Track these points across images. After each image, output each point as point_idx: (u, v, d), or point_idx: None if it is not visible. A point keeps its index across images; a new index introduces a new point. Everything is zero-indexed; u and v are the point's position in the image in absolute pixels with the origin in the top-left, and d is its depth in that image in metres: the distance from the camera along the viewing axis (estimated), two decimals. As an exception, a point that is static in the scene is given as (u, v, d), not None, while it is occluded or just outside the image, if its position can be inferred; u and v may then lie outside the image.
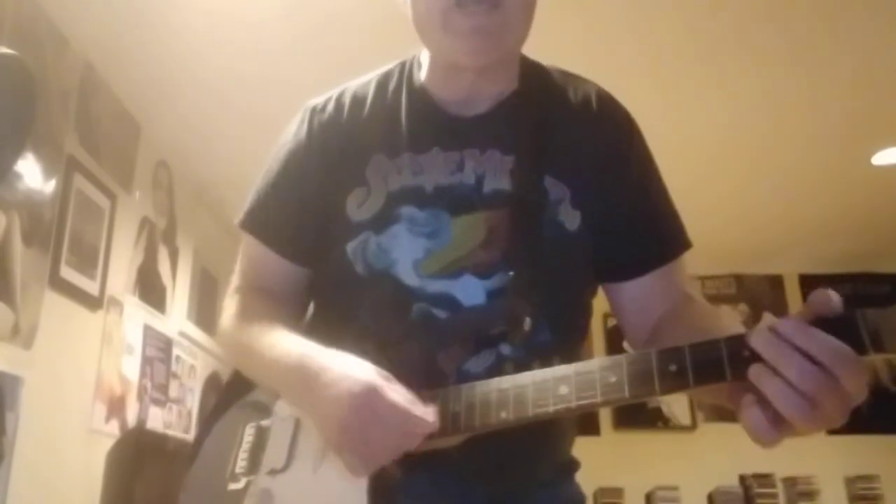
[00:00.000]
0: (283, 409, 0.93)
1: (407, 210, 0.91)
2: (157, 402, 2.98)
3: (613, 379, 0.68)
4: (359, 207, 0.93)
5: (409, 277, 0.89)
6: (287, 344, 0.88)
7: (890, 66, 2.67)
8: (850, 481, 4.26)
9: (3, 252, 2.00)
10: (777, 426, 0.62)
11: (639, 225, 0.94)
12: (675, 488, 4.14)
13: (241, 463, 0.93)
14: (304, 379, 0.82)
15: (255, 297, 1.01)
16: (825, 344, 0.59)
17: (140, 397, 2.82)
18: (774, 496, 4.18)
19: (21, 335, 2.06)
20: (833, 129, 3.13)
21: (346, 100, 1.01)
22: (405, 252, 0.90)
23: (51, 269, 2.22)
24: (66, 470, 2.29)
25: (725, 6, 2.38)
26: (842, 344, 0.59)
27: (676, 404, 4.51)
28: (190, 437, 3.34)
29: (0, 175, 2.00)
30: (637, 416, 4.43)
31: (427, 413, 0.75)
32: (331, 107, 1.02)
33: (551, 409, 0.71)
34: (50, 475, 2.18)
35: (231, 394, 1.04)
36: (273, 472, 0.88)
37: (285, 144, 1.03)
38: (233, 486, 0.92)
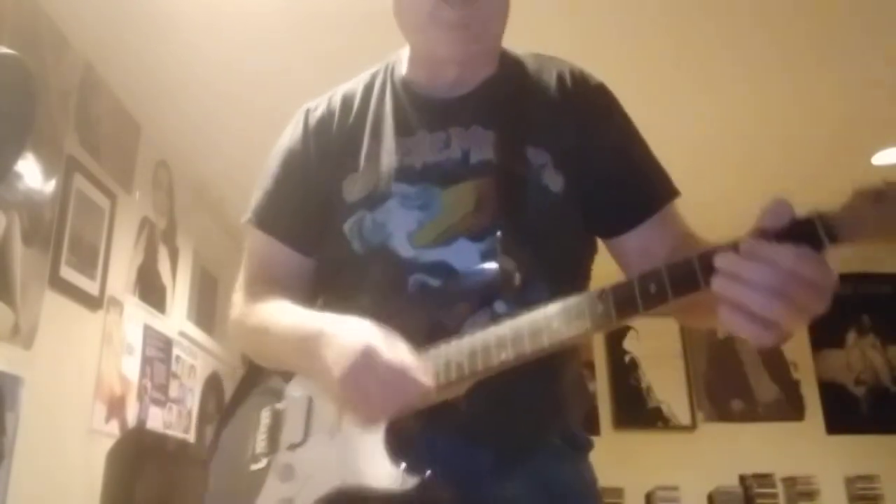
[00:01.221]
0: (295, 390, 0.98)
1: (398, 187, 0.97)
2: (157, 402, 2.98)
3: (601, 307, 0.75)
4: (352, 188, 1.01)
5: (404, 249, 0.94)
6: (294, 315, 0.95)
7: (889, 66, 2.67)
8: (850, 481, 4.25)
9: (3, 252, 2.00)
10: (763, 326, 0.66)
11: (625, 178, 1.00)
12: (675, 488, 4.14)
13: (260, 444, 0.98)
14: (309, 344, 0.88)
15: (263, 287, 1.06)
16: (781, 249, 0.65)
17: (140, 397, 2.82)
18: (774, 496, 4.17)
19: (21, 335, 2.06)
20: (833, 129, 3.13)
21: (337, 99, 1.10)
22: (399, 225, 0.95)
23: (51, 269, 2.22)
24: (66, 470, 2.29)
25: (722, 9, 2.38)
26: (795, 247, 0.65)
27: (676, 404, 4.52)
28: (190, 437, 3.34)
29: (0, 175, 2.00)
30: (637, 416, 4.44)
31: (422, 373, 0.81)
32: (323, 106, 1.10)
33: (546, 343, 0.78)
34: (50, 475, 2.18)
35: (246, 385, 1.08)
36: (292, 447, 0.94)
37: (283, 144, 1.10)
38: (255, 467, 0.96)
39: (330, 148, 1.05)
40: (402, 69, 1.08)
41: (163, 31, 2.42)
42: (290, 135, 1.10)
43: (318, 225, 1.03)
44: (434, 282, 0.92)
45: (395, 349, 0.82)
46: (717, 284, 0.67)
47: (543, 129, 0.99)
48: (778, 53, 2.59)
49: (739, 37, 2.52)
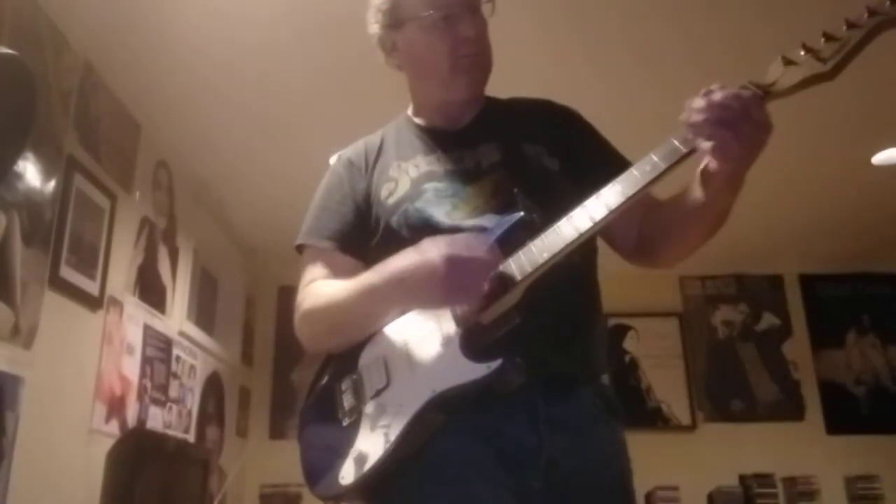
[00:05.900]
0: (366, 358, 1.11)
1: (430, 185, 1.18)
2: (157, 402, 2.98)
3: (603, 213, 0.99)
4: (391, 194, 1.20)
5: (445, 222, 1.12)
6: (360, 276, 1.10)
7: (890, 66, 2.67)
8: (850, 481, 4.26)
9: (3, 252, 2.00)
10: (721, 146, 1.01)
11: (600, 161, 1.20)
12: (675, 488, 4.14)
13: (347, 404, 1.10)
14: (390, 279, 1.03)
15: (323, 280, 1.21)
16: (728, 91, 1.00)
17: (140, 397, 2.82)
18: (774, 496, 4.18)
19: (21, 335, 2.06)
20: (833, 129, 3.13)
21: (363, 143, 1.32)
22: (437, 209, 1.14)
23: (51, 269, 2.22)
24: (66, 470, 2.29)
25: (725, 4, 2.38)
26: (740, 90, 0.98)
27: (676, 404, 4.52)
28: (190, 437, 3.34)
29: (0, 175, 2.00)
30: (637, 416, 4.44)
31: (485, 242, 1.00)
32: (352, 150, 1.31)
33: (575, 237, 0.99)
34: (50, 475, 2.18)
35: (322, 373, 1.20)
36: (378, 393, 1.06)
37: (324, 182, 1.30)
38: (347, 421, 1.08)
39: (364, 174, 1.25)
40: (416, 120, 1.31)
41: (163, 32, 2.42)
42: (329, 174, 1.30)
43: (361, 229, 1.21)
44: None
45: (455, 238, 1.00)
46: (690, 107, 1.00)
47: (532, 131, 1.23)
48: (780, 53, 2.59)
49: (742, 33, 2.52)
